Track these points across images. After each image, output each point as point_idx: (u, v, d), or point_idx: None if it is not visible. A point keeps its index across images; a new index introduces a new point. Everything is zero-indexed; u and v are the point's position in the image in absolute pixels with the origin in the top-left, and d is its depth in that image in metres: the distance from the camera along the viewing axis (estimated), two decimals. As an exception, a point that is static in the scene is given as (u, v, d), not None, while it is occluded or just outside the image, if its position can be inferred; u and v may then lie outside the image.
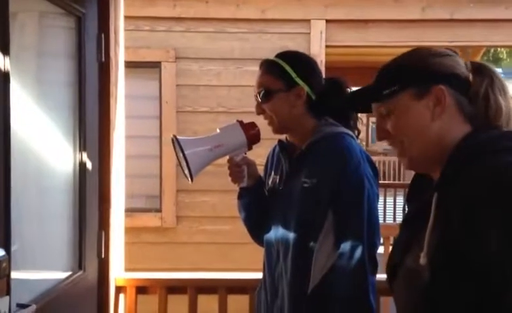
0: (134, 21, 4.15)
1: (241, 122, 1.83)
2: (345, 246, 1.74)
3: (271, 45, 3.93)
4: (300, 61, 1.89)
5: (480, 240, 0.97)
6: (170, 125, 4.22)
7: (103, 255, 2.39)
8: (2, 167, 1.55)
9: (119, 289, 2.55)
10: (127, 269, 2.80)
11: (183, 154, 1.70)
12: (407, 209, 1.21)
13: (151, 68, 4.29)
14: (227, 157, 1.86)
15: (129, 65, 4.14)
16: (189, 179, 1.76)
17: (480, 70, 1.14)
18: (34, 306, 1.59)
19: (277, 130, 1.87)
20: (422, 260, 1.04)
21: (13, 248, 1.84)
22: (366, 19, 4.15)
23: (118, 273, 2.55)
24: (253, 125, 1.84)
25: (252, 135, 1.82)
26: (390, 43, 4.16)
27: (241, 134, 1.80)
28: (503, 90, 1.13)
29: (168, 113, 4.27)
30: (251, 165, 1.89)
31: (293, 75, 1.82)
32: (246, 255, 3.14)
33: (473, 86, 1.12)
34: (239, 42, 4.18)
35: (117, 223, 2.53)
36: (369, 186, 1.79)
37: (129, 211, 4.21)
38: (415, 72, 1.12)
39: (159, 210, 4.31)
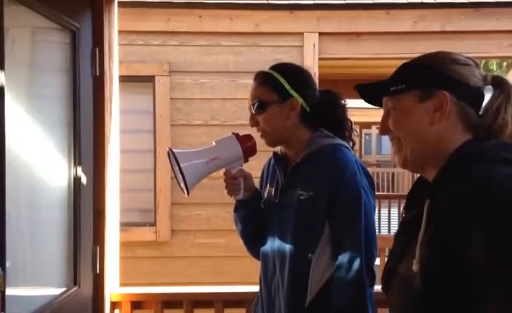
0: (128, 36, 4.16)
1: (237, 135, 1.83)
2: (343, 257, 1.74)
3: (265, 58, 3.95)
4: (294, 73, 1.89)
5: (466, 248, 0.97)
6: (164, 139, 4.22)
7: (98, 271, 2.37)
8: (-4, 182, 1.54)
9: (114, 305, 2.53)
10: (122, 284, 2.78)
11: (179, 168, 1.70)
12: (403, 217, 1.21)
13: (145, 82, 4.29)
14: (223, 170, 1.85)
15: (123, 80, 4.14)
16: (185, 192, 1.75)
17: (499, 84, 1.13)
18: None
19: (271, 143, 1.87)
20: (414, 267, 1.04)
21: (8, 264, 1.83)
22: (358, 31, 4.18)
23: (113, 288, 2.53)
24: (249, 137, 1.83)
25: (248, 147, 1.81)
26: (382, 55, 4.20)
27: (237, 147, 1.80)
28: None
29: (162, 127, 4.27)
30: (247, 177, 1.88)
31: (287, 87, 1.82)
32: (241, 269, 3.14)
33: (490, 99, 1.12)
34: (233, 55, 4.20)
35: (112, 238, 2.52)
36: (365, 197, 1.79)
37: (124, 225, 4.19)
38: (424, 74, 1.13)
39: (154, 224, 4.30)
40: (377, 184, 13.37)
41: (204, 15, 4.20)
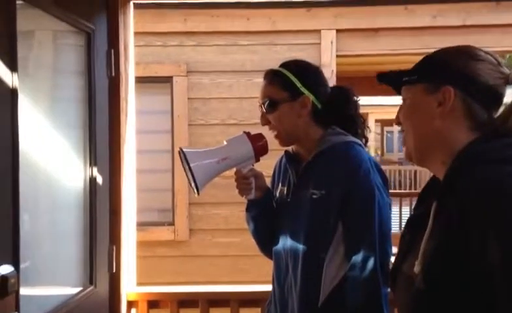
0: (146, 37, 4.19)
1: (248, 134, 1.81)
2: (357, 257, 1.71)
3: (281, 56, 3.90)
4: (304, 70, 1.86)
5: (478, 252, 0.96)
6: (182, 139, 4.24)
7: (114, 270, 2.39)
8: (10, 183, 1.56)
9: (130, 304, 2.54)
10: (140, 283, 2.80)
11: (189, 167, 1.69)
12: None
13: (163, 82, 4.32)
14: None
15: (141, 80, 4.17)
16: (195, 192, 1.75)
17: None
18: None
19: (283, 142, 1.84)
20: (416, 268, 1.03)
21: (24, 264, 1.85)
22: (376, 27, 4.14)
23: (130, 287, 2.54)
24: (260, 136, 1.81)
25: (259, 147, 1.79)
26: (400, 51, 4.15)
27: (248, 146, 1.78)
28: None
29: (180, 127, 4.29)
30: (258, 177, 1.87)
31: (298, 84, 1.80)
32: (260, 267, 3.12)
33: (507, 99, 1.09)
34: (249, 54, 4.20)
35: (129, 238, 2.53)
36: (379, 195, 1.76)
37: (142, 225, 4.23)
38: (434, 67, 1.11)
39: (172, 224, 4.32)
40: (399, 181, 13.26)
41: (221, 15, 4.20)
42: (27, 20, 1.79)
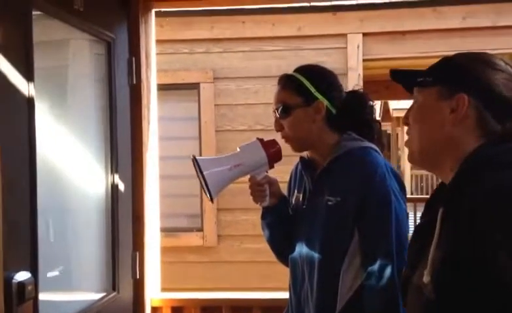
0: (173, 45, 4.25)
1: (261, 140, 1.79)
2: (373, 265, 1.67)
3: (307, 61, 3.83)
4: (318, 75, 1.84)
5: (488, 258, 0.93)
6: (210, 145, 4.27)
7: (138, 276, 2.41)
8: (28, 191, 1.59)
9: (155, 310, 2.56)
10: (168, 289, 2.82)
11: (202, 175, 1.69)
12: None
13: (190, 89, 4.36)
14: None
15: (168, 88, 4.25)
16: (210, 199, 1.75)
17: None
18: (61, 328, 1.62)
19: (296, 148, 1.82)
20: (425, 278, 0.99)
21: (56, 271, 1.89)
22: (403, 30, 4.08)
23: (154, 293, 2.56)
24: (273, 143, 1.79)
25: (272, 153, 1.77)
26: (429, 54, 4.07)
27: (262, 152, 1.76)
28: None
29: (208, 133, 4.31)
30: (273, 183, 1.84)
31: (312, 89, 1.77)
32: (288, 274, 3.10)
33: None
34: (275, 59, 4.20)
35: (152, 244, 2.55)
36: (395, 201, 1.71)
37: (171, 231, 4.29)
38: (450, 72, 1.08)
39: (201, 230, 4.35)
40: (421, 187, 13.00)
41: (247, 21, 4.22)
42: (45, 30, 1.83)
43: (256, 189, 1.81)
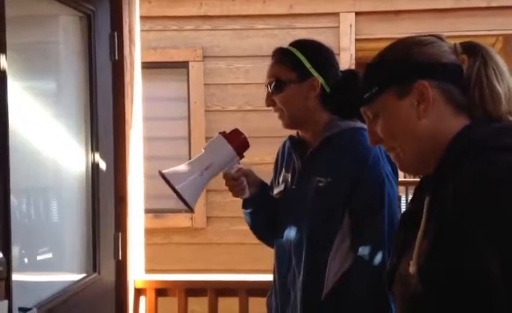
0: (161, 21, 4.15)
1: (224, 134, 1.72)
2: (364, 249, 1.64)
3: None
4: (315, 50, 1.77)
5: (474, 251, 0.88)
6: (199, 125, 4.20)
7: (120, 257, 2.36)
8: (0, 168, 1.52)
9: (139, 292, 2.51)
10: (157, 270, 2.78)
11: (175, 190, 1.63)
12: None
13: (179, 68, 4.27)
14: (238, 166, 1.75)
15: (157, 66, 4.17)
16: (190, 210, 1.69)
17: (471, 50, 1.02)
18: (35, 310, 1.56)
19: (287, 124, 1.76)
20: (411, 269, 0.95)
21: (34, 251, 1.84)
22: (396, 10, 4.00)
23: (137, 275, 2.51)
24: (237, 133, 1.72)
25: (239, 144, 1.71)
26: (422, 34, 3.99)
27: (227, 146, 1.69)
28: (500, 73, 1.00)
29: (197, 113, 4.24)
30: (248, 174, 1.78)
31: (307, 65, 1.71)
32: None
33: (466, 70, 1.00)
34: (267, 38, 4.11)
35: (136, 225, 2.50)
36: (389, 185, 1.67)
37: (159, 212, 4.24)
38: (394, 69, 1.02)
39: (189, 211, 4.28)
40: None
41: (237, -2, 4.12)
42: (21, 3, 1.75)
43: (233, 184, 1.75)
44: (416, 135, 1.01)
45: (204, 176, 1.67)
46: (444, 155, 0.97)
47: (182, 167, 1.70)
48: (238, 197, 1.80)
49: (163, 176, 1.65)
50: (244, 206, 1.84)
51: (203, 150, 1.73)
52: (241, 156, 1.73)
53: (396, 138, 1.03)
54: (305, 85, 1.71)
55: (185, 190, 1.64)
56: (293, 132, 1.84)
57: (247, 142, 1.73)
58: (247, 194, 1.78)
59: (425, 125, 1.00)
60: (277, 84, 1.71)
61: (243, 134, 1.73)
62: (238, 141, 1.71)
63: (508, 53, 5.33)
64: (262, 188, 1.82)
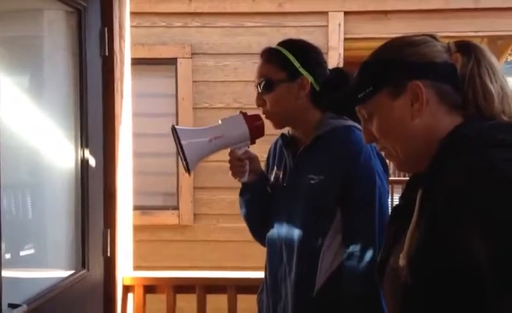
0: (150, 18, 4.13)
1: (244, 114, 1.73)
2: (355, 246, 1.65)
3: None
4: (303, 50, 1.79)
5: (464, 247, 0.89)
6: (187, 122, 4.18)
7: (109, 254, 2.34)
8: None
9: (126, 289, 2.50)
10: (144, 267, 2.76)
11: (180, 145, 1.63)
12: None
13: (167, 65, 4.25)
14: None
15: (145, 62, 4.14)
16: (187, 171, 1.69)
17: (465, 50, 1.03)
18: (25, 306, 1.55)
19: (277, 124, 1.77)
20: (401, 261, 0.96)
21: (22, 247, 1.82)
22: (385, 10, 4.03)
23: (126, 272, 2.50)
24: (257, 118, 1.73)
25: (255, 128, 1.71)
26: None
27: (244, 126, 1.70)
28: (493, 72, 1.02)
29: (185, 110, 4.22)
30: (253, 159, 1.79)
31: (297, 64, 1.72)
32: (265, 254, 3.07)
33: (460, 69, 1.02)
34: (256, 36, 4.11)
35: (125, 221, 2.48)
36: (380, 182, 1.69)
37: (146, 209, 4.22)
38: (388, 69, 1.03)
39: (177, 208, 4.28)
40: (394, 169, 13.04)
41: (227, -5, 4.12)
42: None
43: (236, 164, 1.76)
44: (410, 134, 1.02)
45: (212, 144, 1.68)
46: (438, 151, 0.98)
47: (195, 129, 1.71)
48: (236, 178, 1.80)
49: (174, 129, 1.65)
50: (241, 193, 1.85)
51: (220, 122, 1.73)
52: (253, 142, 1.74)
53: (390, 138, 1.04)
54: (296, 84, 1.72)
55: (189, 148, 1.64)
56: (284, 130, 1.85)
57: (263, 130, 1.73)
58: (245, 178, 1.78)
59: (419, 125, 1.01)
60: (268, 84, 1.71)
61: (262, 121, 1.73)
62: (255, 126, 1.72)
63: (493, 53, 5.41)
64: (263, 178, 1.83)
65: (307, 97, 1.73)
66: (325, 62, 1.82)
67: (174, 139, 1.69)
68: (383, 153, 1.11)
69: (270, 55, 1.75)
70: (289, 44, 1.78)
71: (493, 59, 1.04)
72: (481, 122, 0.98)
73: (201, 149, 1.68)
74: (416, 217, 0.97)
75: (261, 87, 1.73)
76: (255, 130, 1.72)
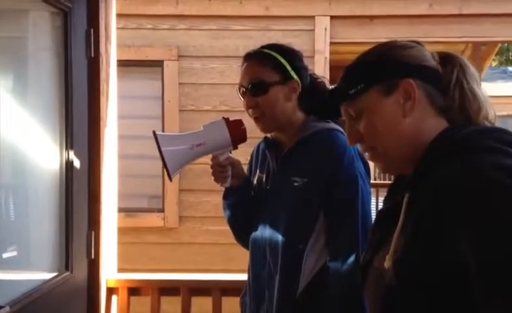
0: (137, 20, 4.12)
1: (227, 120, 1.73)
2: (338, 247, 1.66)
3: (275, 42, 3.85)
4: (291, 54, 1.80)
5: (450, 251, 0.90)
6: (173, 124, 4.18)
7: (93, 256, 2.34)
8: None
9: (111, 291, 2.50)
10: (129, 270, 2.75)
11: (160, 152, 1.63)
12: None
13: (154, 67, 4.24)
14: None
15: (132, 64, 4.13)
16: (168, 177, 1.69)
17: (448, 60, 1.06)
18: (7, 308, 1.54)
19: (268, 128, 1.77)
20: (387, 263, 0.97)
21: (3, 249, 1.80)
22: (371, 15, 4.06)
23: (110, 274, 2.49)
24: (239, 123, 1.73)
25: (238, 133, 1.71)
26: (396, 39, 4.05)
27: (226, 132, 1.70)
28: (476, 80, 1.05)
29: (171, 113, 4.22)
30: (235, 165, 1.79)
31: (288, 67, 1.73)
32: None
33: (444, 77, 1.04)
34: (242, 39, 4.11)
35: (109, 223, 2.48)
36: (362, 185, 1.71)
37: (132, 211, 4.20)
38: (381, 66, 1.05)
39: (162, 211, 4.27)
40: (377, 172, 13.18)
41: (213, -2, 4.12)
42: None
43: (218, 170, 1.76)
44: (400, 133, 1.03)
45: (193, 151, 1.67)
46: (425, 154, 1.00)
47: (176, 135, 1.70)
48: (218, 183, 1.80)
49: (155, 136, 1.65)
50: (225, 197, 1.85)
51: (202, 128, 1.73)
52: (235, 147, 1.74)
53: (379, 136, 1.04)
54: (287, 87, 1.73)
55: (170, 156, 1.63)
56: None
57: (245, 136, 1.73)
58: (228, 184, 1.79)
59: (409, 124, 1.02)
60: (262, 85, 1.70)
61: (244, 127, 1.73)
62: (237, 132, 1.71)
63: (476, 59, 5.47)
64: (246, 182, 1.84)
65: (296, 100, 1.75)
66: (307, 66, 1.84)
67: (156, 144, 1.68)
68: (366, 155, 1.12)
69: (262, 58, 1.74)
70: (277, 47, 1.79)
71: (474, 70, 1.07)
72: (468, 128, 1.00)
73: (182, 156, 1.68)
74: (403, 220, 0.98)
75: (252, 88, 1.72)
76: (238, 136, 1.72)
